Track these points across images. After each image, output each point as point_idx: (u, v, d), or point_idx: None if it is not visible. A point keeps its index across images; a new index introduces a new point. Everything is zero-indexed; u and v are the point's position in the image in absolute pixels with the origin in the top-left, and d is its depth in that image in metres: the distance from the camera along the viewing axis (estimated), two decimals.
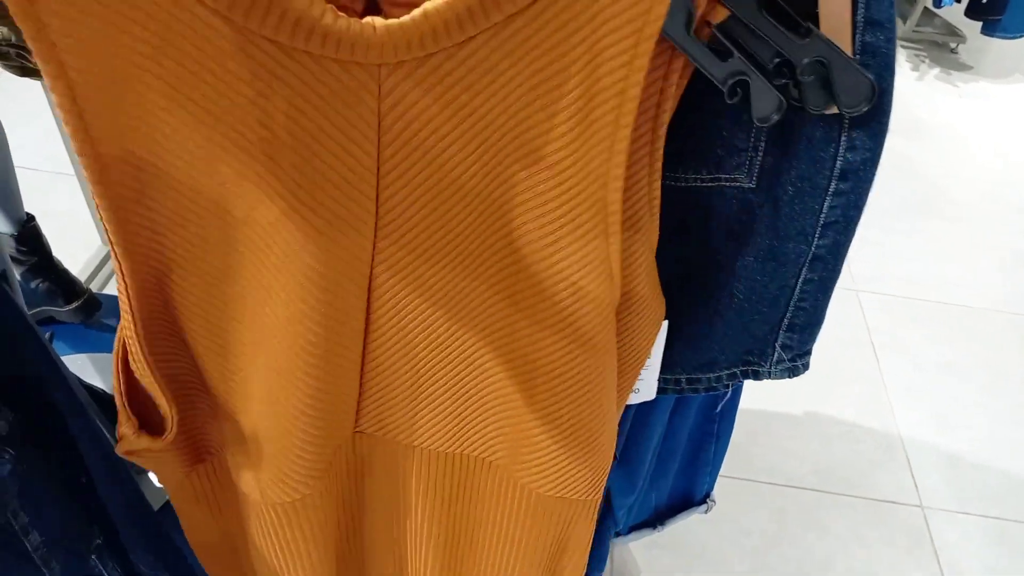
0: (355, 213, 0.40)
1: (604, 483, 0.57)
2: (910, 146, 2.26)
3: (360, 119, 0.36)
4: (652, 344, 0.54)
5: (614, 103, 0.37)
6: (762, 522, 1.37)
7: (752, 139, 0.48)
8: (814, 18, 0.41)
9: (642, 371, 0.57)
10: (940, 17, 2.82)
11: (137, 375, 0.44)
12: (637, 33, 0.35)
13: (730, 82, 0.41)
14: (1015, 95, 2.60)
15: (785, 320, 0.56)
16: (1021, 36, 2.39)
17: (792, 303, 0.55)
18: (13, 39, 0.99)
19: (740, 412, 1.43)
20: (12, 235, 1.12)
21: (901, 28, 2.76)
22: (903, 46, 2.77)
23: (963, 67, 2.73)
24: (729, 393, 0.94)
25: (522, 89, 0.37)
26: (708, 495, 1.14)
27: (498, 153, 0.39)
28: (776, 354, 0.58)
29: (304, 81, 0.35)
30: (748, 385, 1.33)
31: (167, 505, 1.14)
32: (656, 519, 1.14)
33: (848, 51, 0.42)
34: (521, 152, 0.39)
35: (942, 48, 2.81)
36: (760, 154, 0.48)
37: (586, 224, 0.41)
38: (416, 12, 0.33)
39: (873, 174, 0.48)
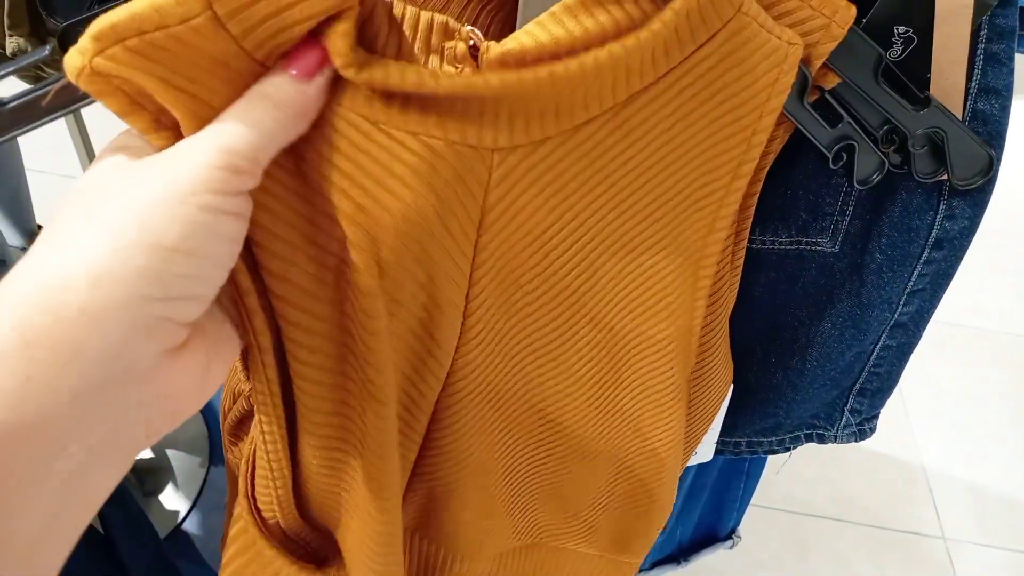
0: (447, 293, 0.36)
1: (650, 548, 0.55)
2: None
3: (461, 202, 0.32)
4: (718, 410, 0.51)
5: (725, 180, 0.34)
6: (781, 552, 1.34)
7: (840, 203, 0.44)
8: (925, 82, 0.38)
9: None
10: None
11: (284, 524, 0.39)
12: (760, 107, 0.32)
13: (835, 148, 0.38)
14: None
15: (857, 385, 0.53)
16: None
17: (867, 369, 0.52)
18: (29, 49, 0.96)
19: None
20: (22, 248, 1.09)
21: None
22: None
23: None
24: None
25: (631, 169, 0.33)
26: (734, 531, 1.11)
27: (596, 242, 0.35)
28: (844, 419, 0.55)
29: (414, 168, 0.30)
30: None
31: (174, 533, 1.11)
32: (680, 554, 1.11)
33: (958, 117, 0.39)
34: (620, 239, 0.36)
35: None
36: (847, 218, 0.45)
37: (670, 298, 0.38)
38: (541, 71, 0.28)
39: (969, 243, 0.45)
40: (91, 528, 0.62)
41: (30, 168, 1.19)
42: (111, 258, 0.23)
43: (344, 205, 0.29)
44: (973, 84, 0.39)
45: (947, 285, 0.47)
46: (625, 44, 0.29)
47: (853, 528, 1.39)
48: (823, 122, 0.36)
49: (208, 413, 1.24)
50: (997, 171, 0.41)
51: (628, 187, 0.34)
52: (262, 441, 0.35)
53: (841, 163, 0.39)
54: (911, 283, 0.46)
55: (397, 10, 0.28)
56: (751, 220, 0.41)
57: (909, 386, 1.60)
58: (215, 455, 1.20)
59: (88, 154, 1.46)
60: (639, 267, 0.37)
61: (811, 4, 0.33)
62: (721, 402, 0.51)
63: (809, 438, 0.56)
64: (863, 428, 0.56)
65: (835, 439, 0.56)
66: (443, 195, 0.30)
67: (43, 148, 1.31)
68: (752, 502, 1.40)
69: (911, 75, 0.38)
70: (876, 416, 0.56)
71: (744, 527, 1.28)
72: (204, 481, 1.18)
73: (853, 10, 0.33)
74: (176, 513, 1.13)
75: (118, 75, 0.25)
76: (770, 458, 0.99)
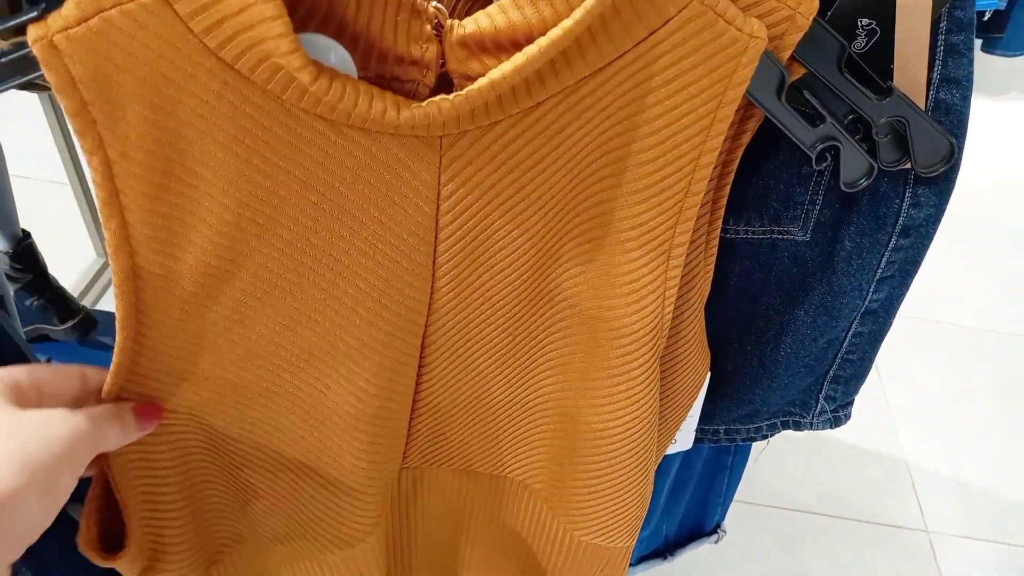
0: (411, 275, 0.38)
1: (639, 530, 0.56)
2: None
3: (417, 190, 0.34)
4: (695, 397, 0.52)
5: (688, 169, 0.35)
6: (769, 548, 1.35)
7: (811, 192, 0.46)
8: (889, 73, 0.39)
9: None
10: None
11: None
12: (719, 97, 0.33)
13: (819, 147, 0.38)
14: (1013, 113, 2.60)
15: (831, 372, 0.54)
16: (1022, 54, 2.39)
17: (840, 356, 0.53)
18: (5, 47, 0.96)
19: None
20: (7, 252, 1.08)
21: None
22: None
23: None
24: None
25: (590, 153, 0.35)
26: (719, 526, 1.12)
27: (559, 218, 0.37)
28: (819, 405, 0.56)
29: (356, 156, 0.33)
30: None
31: None
32: (666, 549, 1.12)
33: (921, 107, 0.40)
34: (583, 216, 0.37)
35: None
36: (817, 207, 0.46)
37: (644, 289, 0.39)
38: (482, 82, 0.30)
39: (935, 230, 0.46)
40: (76, 523, 0.62)
41: (14, 174, 1.19)
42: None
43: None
44: (935, 75, 0.40)
45: (915, 272, 0.48)
46: (564, 27, 0.30)
47: (838, 523, 1.40)
48: (805, 122, 0.37)
49: None
50: (960, 159, 0.42)
51: (587, 163, 0.35)
52: None
53: (825, 164, 0.39)
54: (880, 270, 0.48)
55: None
56: (723, 210, 0.42)
57: (891, 382, 1.62)
58: None
59: (72, 160, 1.46)
60: (606, 242, 0.38)
61: None
62: (699, 388, 0.52)
63: (786, 425, 0.58)
64: (838, 415, 0.57)
65: (811, 426, 0.57)
66: (388, 178, 0.33)
67: (28, 154, 1.30)
68: (739, 499, 1.41)
69: (875, 66, 0.39)
70: (851, 403, 0.57)
71: (731, 523, 1.30)
72: None
73: (816, 1, 0.35)
74: None
75: (66, 55, 0.28)
76: (753, 453, 1.00)
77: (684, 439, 0.57)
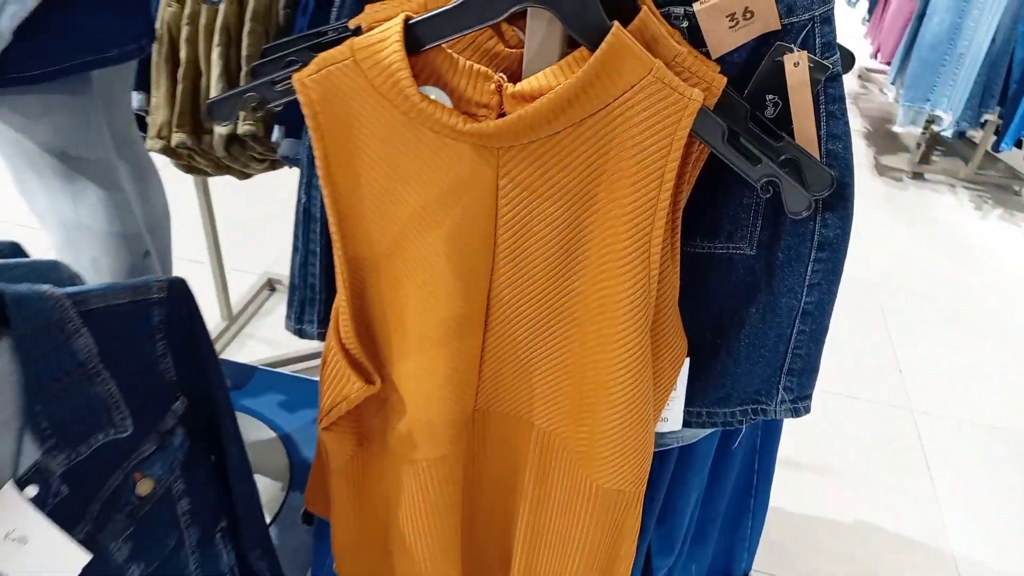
0: (481, 247, 0.60)
1: (647, 475, 0.71)
2: (972, 280, 2.35)
3: (484, 184, 0.57)
4: (677, 373, 0.69)
5: (656, 182, 0.55)
6: None
7: (752, 216, 0.64)
8: (791, 131, 0.59)
9: (670, 402, 0.72)
10: (1003, 161, 2.95)
11: (353, 352, 0.66)
12: (671, 137, 0.54)
13: (763, 181, 0.57)
14: None
15: (785, 365, 0.70)
16: None
17: (789, 350, 0.69)
18: (188, 143, 1.27)
19: (788, 515, 1.51)
20: None
21: (964, 170, 2.90)
22: (966, 187, 2.89)
23: None
24: (758, 464, 1.05)
25: (593, 165, 0.56)
26: (747, 575, 1.21)
27: (576, 207, 0.58)
28: (779, 395, 0.71)
29: (449, 156, 0.56)
30: (797, 489, 1.42)
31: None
32: None
33: (818, 157, 0.59)
34: (591, 208, 0.58)
35: (1006, 190, 2.92)
36: (758, 229, 0.65)
37: (632, 259, 0.58)
38: (513, 115, 0.53)
39: (845, 248, 0.64)
40: (216, 468, 0.82)
41: None
42: None
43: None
44: (822, 132, 0.59)
45: (838, 282, 0.65)
46: (550, 96, 0.53)
47: None
48: (748, 161, 0.57)
49: (290, 447, 1.45)
50: (850, 192, 0.60)
51: (592, 172, 0.57)
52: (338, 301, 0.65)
53: (769, 195, 0.58)
54: (808, 277, 0.65)
55: (461, 63, 0.55)
56: (679, 222, 0.61)
57: (941, 476, 1.66)
58: (294, 482, 1.39)
59: (215, 244, 1.78)
60: (607, 229, 0.58)
61: (696, 74, 0.55)
62: (679, 367, 0.69)
63: (756, 412, 0.73)
64: (797, 406, 0.72)
65: (776, 413, 0.72)
66: (465, 174, 0.57)
67: (177, 237, 1.60)
68: None
69: (783, 127, 0.59)
70: (808, 396, 0.72)
71: None
72: (283, 503, 1.37)
73: (724, 79, 0.55)
74: None
75: (309, 88, 0.54)
76: (786, 519, 1.10)
77: (674, 419, 0.73)
